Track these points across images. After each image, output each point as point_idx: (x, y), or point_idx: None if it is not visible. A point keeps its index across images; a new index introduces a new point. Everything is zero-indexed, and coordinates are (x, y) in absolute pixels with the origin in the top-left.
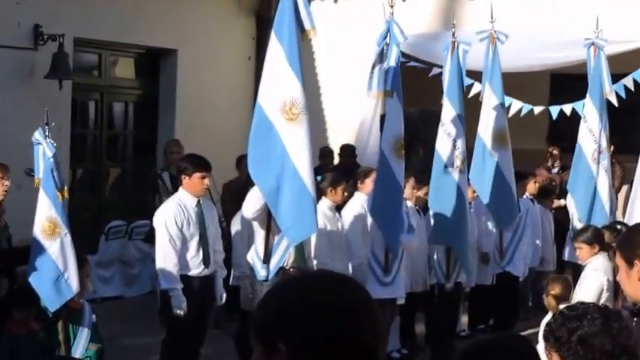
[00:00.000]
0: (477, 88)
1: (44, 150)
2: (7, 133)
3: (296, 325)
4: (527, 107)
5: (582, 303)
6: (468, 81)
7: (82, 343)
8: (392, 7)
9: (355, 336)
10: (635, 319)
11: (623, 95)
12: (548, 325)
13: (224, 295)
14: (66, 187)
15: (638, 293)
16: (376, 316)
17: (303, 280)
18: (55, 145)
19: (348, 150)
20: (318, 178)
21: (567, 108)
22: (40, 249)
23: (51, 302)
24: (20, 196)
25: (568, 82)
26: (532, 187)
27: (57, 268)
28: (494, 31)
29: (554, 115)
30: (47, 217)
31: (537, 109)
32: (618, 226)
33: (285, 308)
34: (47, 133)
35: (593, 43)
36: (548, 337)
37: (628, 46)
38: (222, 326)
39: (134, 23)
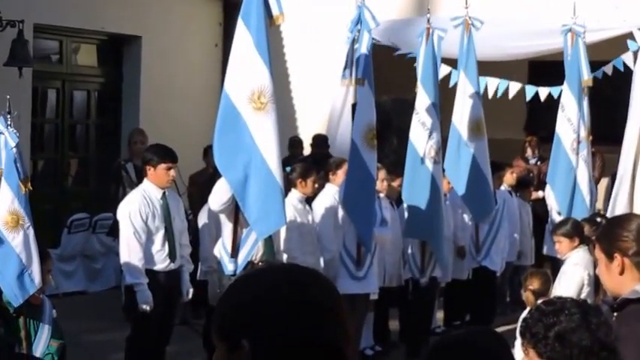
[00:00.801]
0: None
1: (6, 140)
2: None
3: (260, 320)
4: (503, 84)
5: (559, 297)
6: (445, 70)
7: (43, 339)
8: None
9: (321, 335)
10: (615, 313)
11: (601, 79)
12: (524, 320)
13: (191, 291)
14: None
15: (618, 287)
16: (344, 314)
17: (269, 273)
18: (17, 134)
19: (320, 140)
20: (288, 169)
21: (544, 92)
22: (2, 243)
23: (14, 297)
24: None
25: (547, 69)
26: (509, 178)
27: (21, 262)
28: (469, 18)
29: (529, 97)
30: (9, 210)
31: (513, 87)
32: (598, 219)
33: (249, 302)
34: (9, 122)
35: (570, 30)
36: (524, 333)
37: (606, 34)
38: (190, 322)
39: (96, 9)
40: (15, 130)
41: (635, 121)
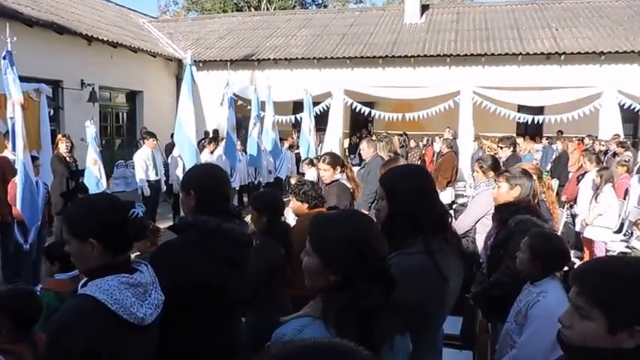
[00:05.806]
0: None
1: (92, 130)
2: (80, 128)
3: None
4: None
5: (303, 178)
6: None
7: None
8: (228, 76)
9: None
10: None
11: None
12: (290, 187)
13: (164, 187)
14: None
15: None
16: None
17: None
18: (95, 129)
19: (215, 133)
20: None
21: None
22: (89, 171)
23: (94, 192)
24: (80, 150)
25: None
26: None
27: (97, 177)
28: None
29: None
30: (92, 157)
31: None
32: None
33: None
34: (92, 123)
35: None
36: (291, 192)
37: None
38: (167, 200)
39: (123, 78)
40: (95, 127)
41: None
